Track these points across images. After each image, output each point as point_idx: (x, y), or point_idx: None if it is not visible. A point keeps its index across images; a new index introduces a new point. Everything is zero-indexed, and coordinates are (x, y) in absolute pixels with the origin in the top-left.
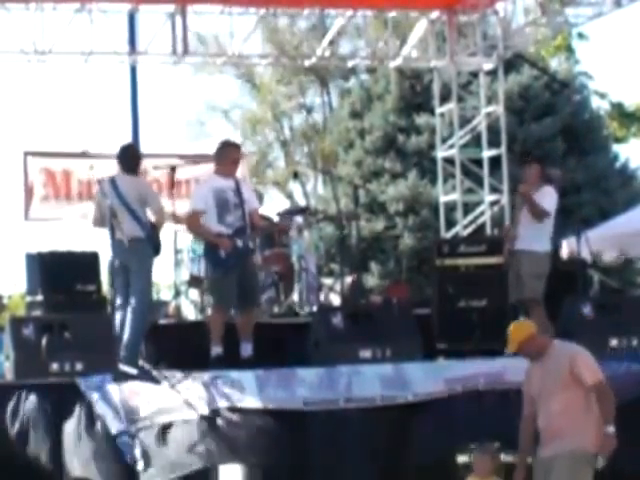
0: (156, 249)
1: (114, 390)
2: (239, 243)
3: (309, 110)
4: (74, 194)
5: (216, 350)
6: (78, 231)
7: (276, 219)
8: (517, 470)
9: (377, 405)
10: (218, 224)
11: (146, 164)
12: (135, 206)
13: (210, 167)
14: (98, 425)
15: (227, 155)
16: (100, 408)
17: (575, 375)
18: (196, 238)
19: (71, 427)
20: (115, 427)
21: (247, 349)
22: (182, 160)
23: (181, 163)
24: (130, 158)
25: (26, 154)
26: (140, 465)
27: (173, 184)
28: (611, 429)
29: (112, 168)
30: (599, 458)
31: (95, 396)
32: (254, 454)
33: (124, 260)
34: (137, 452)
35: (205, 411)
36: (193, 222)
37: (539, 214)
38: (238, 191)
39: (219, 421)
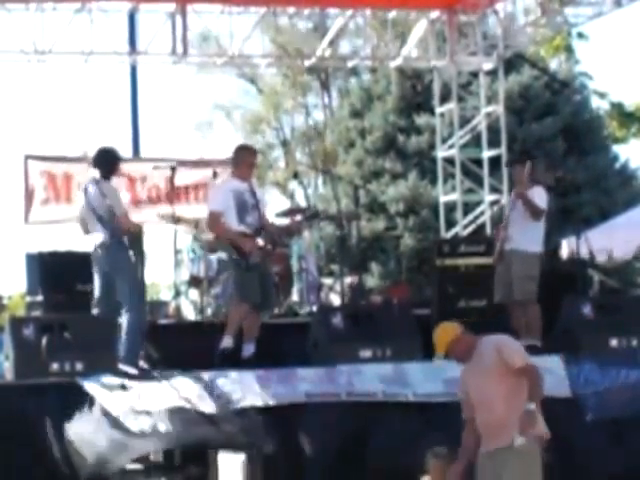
0: (140, 252)
1: (114, 382)
2: (260, 243)
3: (309, 110)
4: (75, 197)
5: (227, 342)
6: (78, 233)
7: (277, 220)
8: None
9: (379, 400)
10: (239, 225)
11: (145, 168)
12: (102, 212)
13: (209, 172)
14: (105, 412)
15: (243, 159)
16: (103, 400)
17: (504, 362)
18: (219, 240)
19: (80, 422)
20: (118, 409)
21: (249, 349)
22: (181, 166)
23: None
24: (103, 164)
25: (27, 157)
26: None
27: (173, 185)
28: (532, 406)
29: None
30: (517, 437)
31: (97, 388)
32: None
33: (101, 264)
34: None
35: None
36: (213, 223)
37: (536, 213)
38: (253, 193)
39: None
